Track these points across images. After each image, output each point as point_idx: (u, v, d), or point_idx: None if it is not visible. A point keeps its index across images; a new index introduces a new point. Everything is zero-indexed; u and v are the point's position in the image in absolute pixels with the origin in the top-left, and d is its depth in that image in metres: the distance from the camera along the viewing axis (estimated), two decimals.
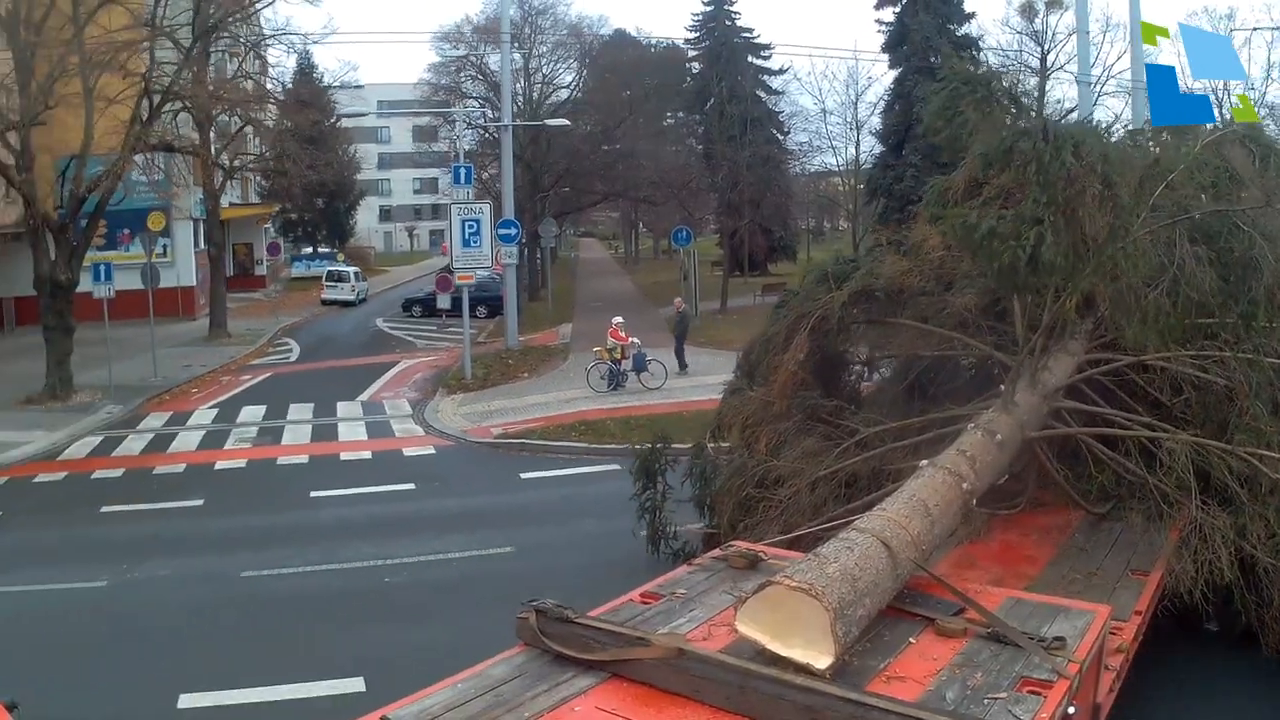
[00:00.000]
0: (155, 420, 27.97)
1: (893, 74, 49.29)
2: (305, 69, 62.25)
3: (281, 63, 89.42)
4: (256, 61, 44.30)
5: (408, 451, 23.95)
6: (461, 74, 56.41)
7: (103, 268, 31.07)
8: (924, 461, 9.29)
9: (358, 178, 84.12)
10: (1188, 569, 9.64)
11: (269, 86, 46.48)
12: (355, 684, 11.22)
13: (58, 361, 29.57)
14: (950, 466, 8.96)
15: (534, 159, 51.76)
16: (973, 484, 9.01)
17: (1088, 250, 9.69)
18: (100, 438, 25.80)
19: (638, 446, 15.05)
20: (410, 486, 20.47)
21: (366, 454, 23.79)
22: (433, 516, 18.13)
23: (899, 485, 9.00)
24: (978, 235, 9.61)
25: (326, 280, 60.24)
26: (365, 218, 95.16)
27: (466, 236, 31.42)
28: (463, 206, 32.28)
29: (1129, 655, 8.15)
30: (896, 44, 48.53)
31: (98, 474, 22.42)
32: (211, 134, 41.65)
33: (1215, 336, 11.03)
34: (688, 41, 63.33)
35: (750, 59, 60.60)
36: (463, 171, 34.42)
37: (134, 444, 25.23)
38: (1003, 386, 11.04)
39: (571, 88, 59.94)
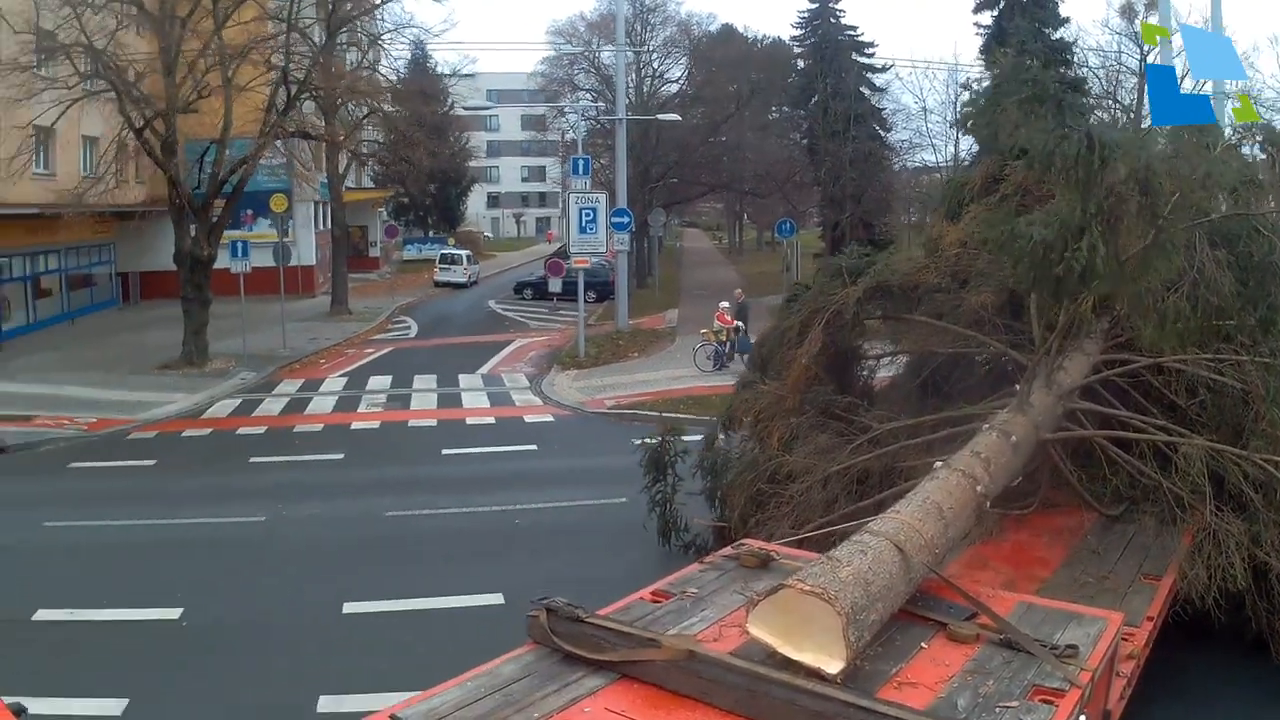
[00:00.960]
0: (289, 386, 29.77)
1: None
2: (419, 59, 64.01)
3: (402, 55, 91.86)
4: (372, 52, 45.95)
5: (528, 419, 25.38)
6: (574, 67, 57.87)
7: (239, 245, 33.14)
8: (938, 462, 9.12)
9: (468, 164, 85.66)
10: (1200, 575, 9.46)
11: (391, 77, 48.18)
12: (495, 599, 12.55)
13: (195, 331, 31.51)
14: (964, 468, 8.81)
15: (644, 151, 52.69)
16: (987, 486, 8.89)
17: (1125, 258, 9.52)
18: (239, 400, 27.59)
19: (648, 440, 14.74)
20: (533, 447, 21.94)
21: (490, 419, 25.30)
22: (554, 472, 19.49)
23: (912, 485, 8.86)
24: (1023, 243, 9.45)
25: (440, 263, 61.78)
26: (473, 203, 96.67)
27: (583, 224, 32.68)
28: (580, 195, 33.55)
29: (1140, 661, 7.99)
30: (994, 47, 48.74)
31: (241, 430, 24.15)
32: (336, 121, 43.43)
33: (1231, 339, 10.85)
34: (793, 39, 63.76)
35: (854, 56, 60.94)
36: (581, 163, 35.64)
37: (272, 406, 27.00)
38: (1017, 386, 10.87)
39: (680, 82, 60.91)
